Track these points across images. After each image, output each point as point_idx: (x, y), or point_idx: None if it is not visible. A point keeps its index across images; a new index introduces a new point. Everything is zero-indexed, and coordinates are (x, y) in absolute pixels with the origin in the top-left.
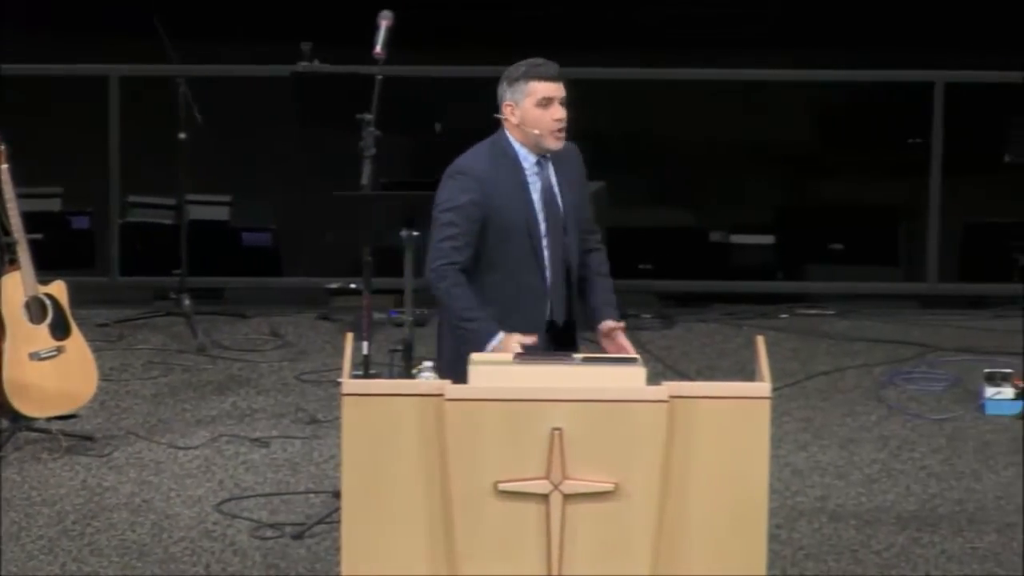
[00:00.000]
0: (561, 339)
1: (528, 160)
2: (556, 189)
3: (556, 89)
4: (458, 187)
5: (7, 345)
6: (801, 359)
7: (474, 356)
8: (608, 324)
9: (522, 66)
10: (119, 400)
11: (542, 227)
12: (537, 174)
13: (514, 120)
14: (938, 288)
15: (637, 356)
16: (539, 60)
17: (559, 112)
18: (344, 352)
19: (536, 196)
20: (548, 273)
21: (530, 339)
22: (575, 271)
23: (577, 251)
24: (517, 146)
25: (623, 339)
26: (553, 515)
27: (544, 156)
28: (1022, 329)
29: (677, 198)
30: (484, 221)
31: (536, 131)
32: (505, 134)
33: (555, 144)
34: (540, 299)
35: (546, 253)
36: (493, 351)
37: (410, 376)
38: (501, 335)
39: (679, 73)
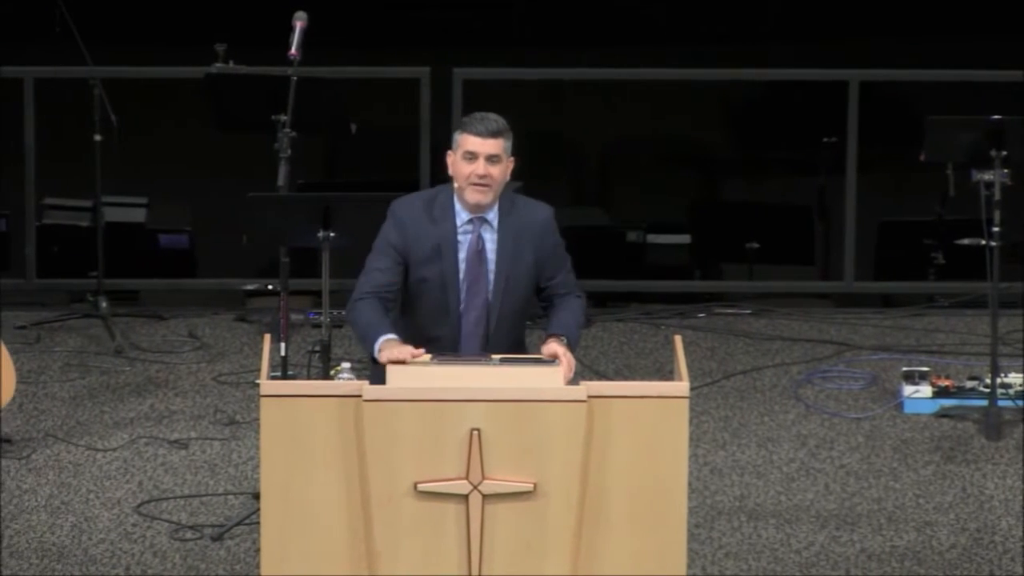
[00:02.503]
0: None
1: (461, 217)
2: (490, 254)
3: (482, 145)
4: (386, 226)
5: None
6: (719, 358)
7: None
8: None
9: (465, 118)
10: (37, 402)
11: (461, 287)
12: (468, 232)
13: (450, 170)
14: (854, 287)
15: (556, 359)
16: (482, 115)
17: (480, 168)
18: (262, 353)
19: (462, 255)
20: (462, 334)
21: (416, 352)
22: (504, 342)
23: (511, 322)
24: (455, 200)
25: (554, 347)
26: (472, 515)
27: (481, 217)
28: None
29: (593, 198)
30: (406, 264)
31: (458, 183)
32: (451, 186)
33: (472, 197)
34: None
35: (462, 314)
36: (379, 352)
37: (328, 377)
38: (386, 336)
39: (596, 73)
